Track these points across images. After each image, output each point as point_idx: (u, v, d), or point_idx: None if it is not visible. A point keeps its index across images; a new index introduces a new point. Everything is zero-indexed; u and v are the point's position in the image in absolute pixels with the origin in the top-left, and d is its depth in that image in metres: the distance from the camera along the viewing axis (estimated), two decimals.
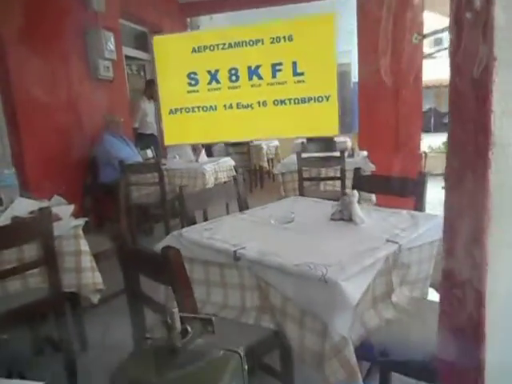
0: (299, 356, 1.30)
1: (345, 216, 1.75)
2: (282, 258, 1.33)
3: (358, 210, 1.72)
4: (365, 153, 3.99)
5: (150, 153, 4.74)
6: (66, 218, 2.05)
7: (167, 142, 0.67)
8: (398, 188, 2.11)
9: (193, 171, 3.88)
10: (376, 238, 1.49)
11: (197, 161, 4.20)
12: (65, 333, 1.97)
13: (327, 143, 5.35)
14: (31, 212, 1.96)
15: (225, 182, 4.07)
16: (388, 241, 1.44)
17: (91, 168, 4.15)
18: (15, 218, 1.92)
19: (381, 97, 4.11)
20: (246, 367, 0.44)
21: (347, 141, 6.20)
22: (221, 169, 4.18)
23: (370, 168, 3.38)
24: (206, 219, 2.66)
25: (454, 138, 0.67)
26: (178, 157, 4.47)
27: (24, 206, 2.04)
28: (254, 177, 6.48)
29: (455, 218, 0.68)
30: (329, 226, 1.74)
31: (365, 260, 1.29)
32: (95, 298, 2.13)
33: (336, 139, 5.78)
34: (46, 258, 1.82)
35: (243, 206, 2.28)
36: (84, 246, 2.08)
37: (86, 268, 2.06)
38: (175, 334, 0.42)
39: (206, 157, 4.38)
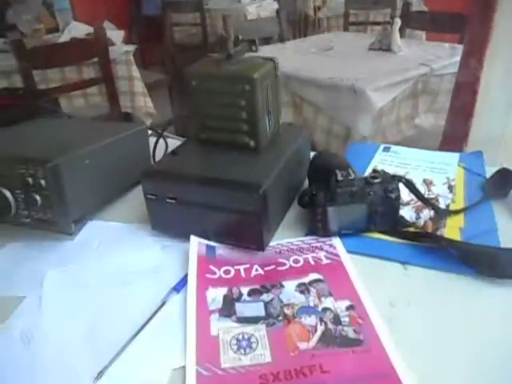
0: None
1: (384, 45, 1.78)
2: (316, 74, 1.45)
3: (398, 39, 1.74)
4: None
5: None
6: (118, 42, 2.18)
7: None
8: (446, 23, 2.04)
9: (235, 12, 3.77)
10: (410, 62, 1.55)
11: (239, 1, 4.03)
12: None
13: None
14: (87, 34, 2.10)
15: None
16: (421, 64, 1.51)
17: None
18: (73, 39, 2.08)
19: None
20: (279, 73, 0.61)
21: None
22: (263, 12, 4.01)
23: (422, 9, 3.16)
24: None
25: None
26: None
27: (79, 29, 2.18)
28: (298, 25, 6.11)
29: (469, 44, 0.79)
30: (367, 54, 1.79)
31: (394, 77, 1.39)
32: (147, 121, 2.38)
33: None
34: (104, 77, 2.02)
35: (284, 40, 2.31)
36: (135, 72, 2.25)
37: (138, 92, 2.27)
38: (229, 42, 0.59)
39: None
